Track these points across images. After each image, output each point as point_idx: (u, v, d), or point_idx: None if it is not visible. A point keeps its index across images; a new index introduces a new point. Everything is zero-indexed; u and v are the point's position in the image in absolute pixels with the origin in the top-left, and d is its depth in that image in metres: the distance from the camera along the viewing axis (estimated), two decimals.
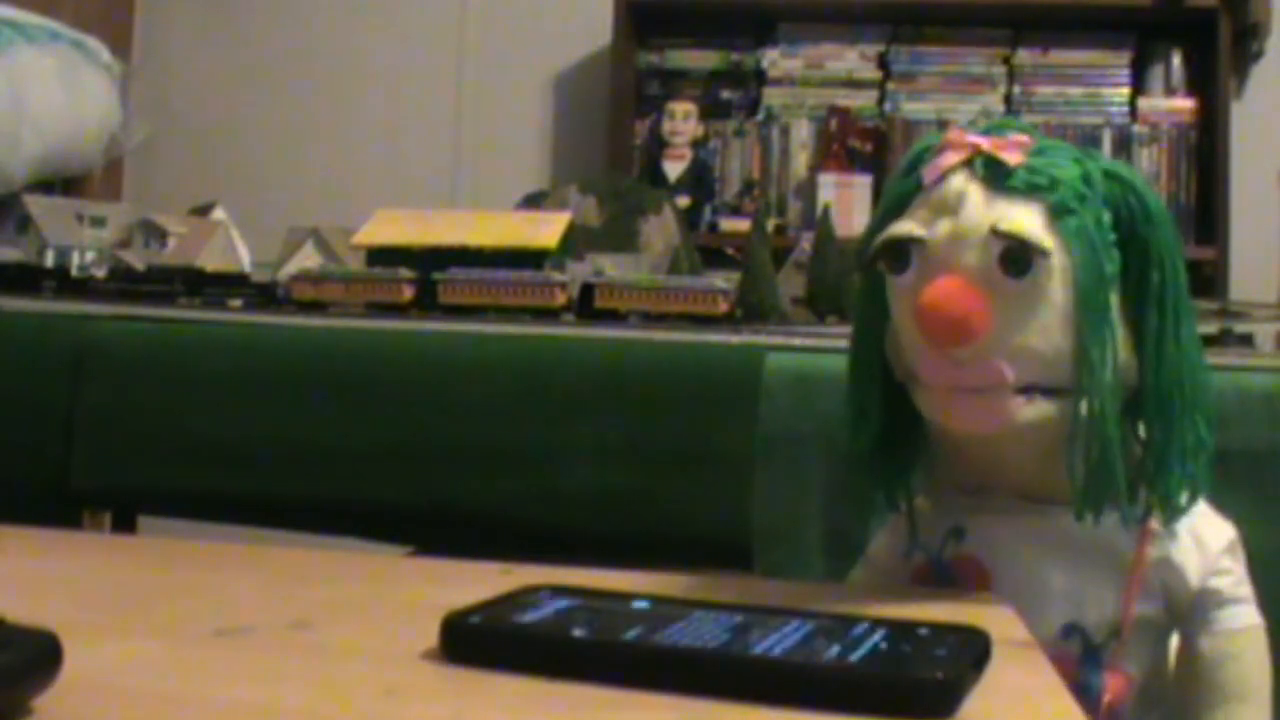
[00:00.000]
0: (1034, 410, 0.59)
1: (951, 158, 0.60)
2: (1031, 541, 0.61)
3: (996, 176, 0.59)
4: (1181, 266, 0.61)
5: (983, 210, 0.58)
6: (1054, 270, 0.57)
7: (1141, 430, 0.62)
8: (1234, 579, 0.63)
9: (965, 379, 0.58)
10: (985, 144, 0.59)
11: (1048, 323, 0.58)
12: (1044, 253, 0.57)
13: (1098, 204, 0.59)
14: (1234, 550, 0.64)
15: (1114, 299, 0.59)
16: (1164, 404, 0.60)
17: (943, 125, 2.72)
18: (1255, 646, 0.63)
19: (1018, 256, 0.57)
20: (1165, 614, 0.63)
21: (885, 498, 0.67)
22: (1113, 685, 0.61)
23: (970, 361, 0.58)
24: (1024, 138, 0.60)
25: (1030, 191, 0.58)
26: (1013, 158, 0.59)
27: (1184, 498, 0.61)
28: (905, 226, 0.60)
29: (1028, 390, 0.58)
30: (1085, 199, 0.59)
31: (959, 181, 0.59)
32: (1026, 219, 0.58)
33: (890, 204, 0.63)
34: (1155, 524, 0.62)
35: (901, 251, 0.60)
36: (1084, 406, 0.58)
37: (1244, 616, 0.63)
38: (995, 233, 0.57)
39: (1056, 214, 0.58)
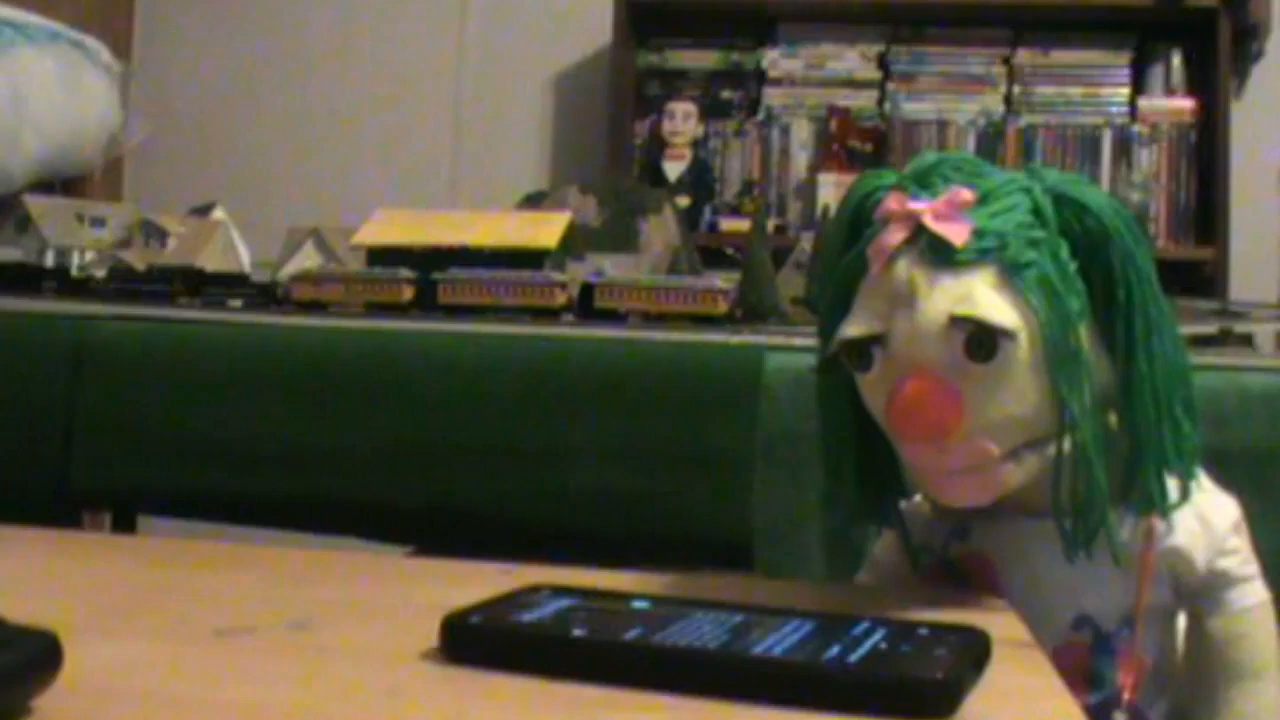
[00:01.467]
0: (1023, 471, 0.58)
1: (895, 236, 0.58)
2: (1036, 537, 0.61)
3: (944, 253, 0.57)
4: (1149, 270, 0.59)
5: (937, 298, 0.56)
6: (1019, 340, 0.56)
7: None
8: (1241, 558, 0.63)
9: (951, 463, 0.58)
10: (928, 217, 0.57)
11: (1021, 388, 0.57)
12: (1009, 335, 0.55)
13: (1053, 238, 0.58)
14: (1239, 528, 0.64)
15: (1084, 328, 0.58)
16: (1137, 418, 0.59)
17: (943, 125, 2.73)
18: (1265, 623, 0.63)
19: (982, 342, 0.56)
20: (1173, 598, 0.63)
21: (876, 524, 0.67)
22: (1127, 674, 0.61)
23: (953, 447, 0.57)
24: (966, 193, 0.58)
25: (980, 258, 0.56)
26: (958, 235, 0.57)
27: (1171, 496, 0.60)
28: (861, 326, 0.58)
29: (1015, 452, 0.58)
30: (1038, 243, 0.57)
31: (905, 267, 0.57)
32: (983, 295, 0.56)
33: (839, 283, 0.61)
34: (1158, 516, 0.61)
35: (863, 351, 0.59)
36: (1067, 447, 0.58)
37: (1253, 594, 0.63)
38: (954, 320, 0.56)
39: (1013, 271, 0.56)
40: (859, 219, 0.62)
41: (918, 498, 0.67)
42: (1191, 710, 0.64)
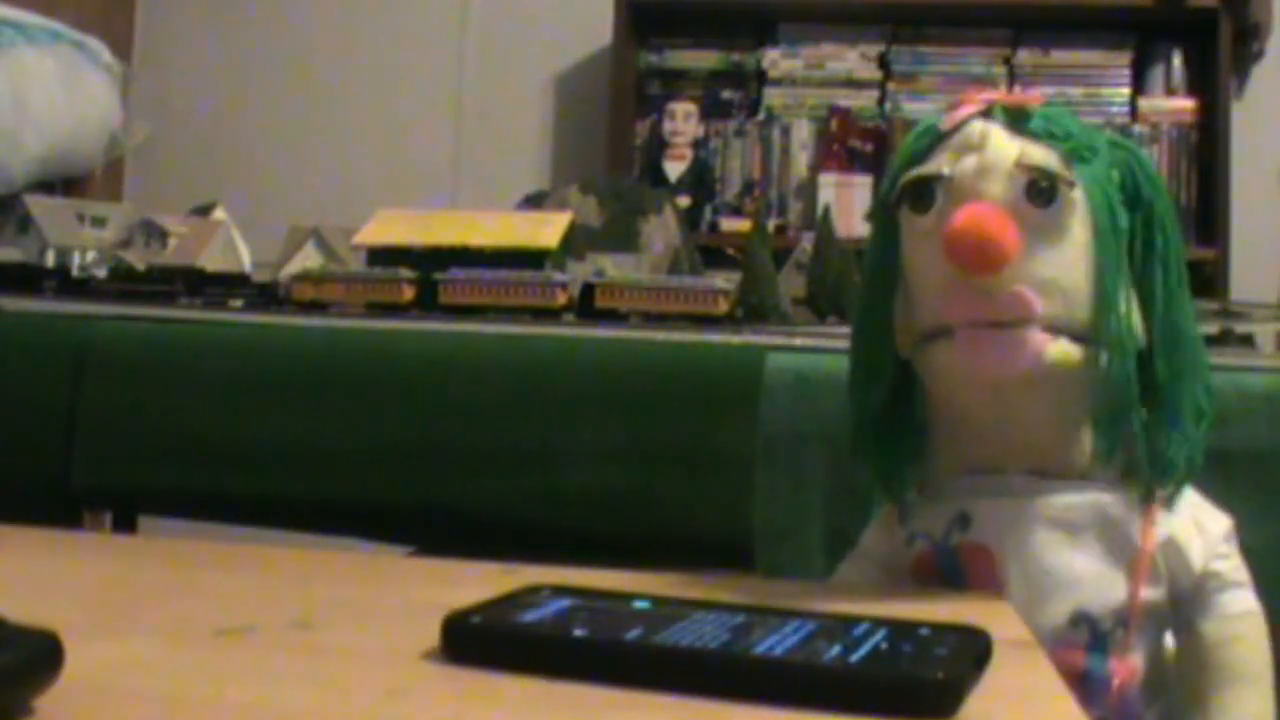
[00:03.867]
0: (1059, 349, 0.60)
1: (971, 107, 0.62)
2: (1039, 526, 0.62)
3: (1016, 120, 0.62)
4: (1179, 234, 0.63)
5: (1006, 145, 0.60)
6: (1075, 206, 0.60)
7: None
8: (1234, 563, 0.64)
9: (994, 310, 0.59)
10: (1002, 96, 0.62)
11: (1071, 258, 0.60)
12: (1069, 183, 0.59)
13: (1106, 162, 0.62)
14: (1231, 538, 0.64)
15: (1124, 252, 0.61)
16: (1171, 362, 0.62)
17: None
18: (1256, 630, 0.64)
19: (1043, 187, 0.59)
20: (1167, 599, 0.63)
21: (883, 487, 0.67)
22: (1121, 672, 0.61)
23: (998, 291, 0.59)
24: (1035, 94, 0.63)
25: (1047, 137, 0.61)
26: (1032, 100, 0.62)
27: (1181, 462, 0.62)
28: (930, 166, 0.61)
29: (1053, 328, 0.59)
30: (1096, 152, 0.62)
31: (980, 124, 0.61)
32: (1047, 155, 0.60)
33: (908, 156, 0.64)
34: (1159, 506, 0.62)
35: (926, 190, 0.61)
36: (1103, 355, 0.60)
37: (1244, 601, 0.64)
38: (1020, 165, 0.59)
39: (1073, 159, 0.61)
40: (913, 159, 0.64)
41: (912, 491, 0.67)
42: (1183, 716, 0.64)
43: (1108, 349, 0.60)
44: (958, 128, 0.62)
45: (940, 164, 0.61)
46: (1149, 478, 0.62)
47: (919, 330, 0.63)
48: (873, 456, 0.67)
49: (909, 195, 0.62)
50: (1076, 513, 0.61)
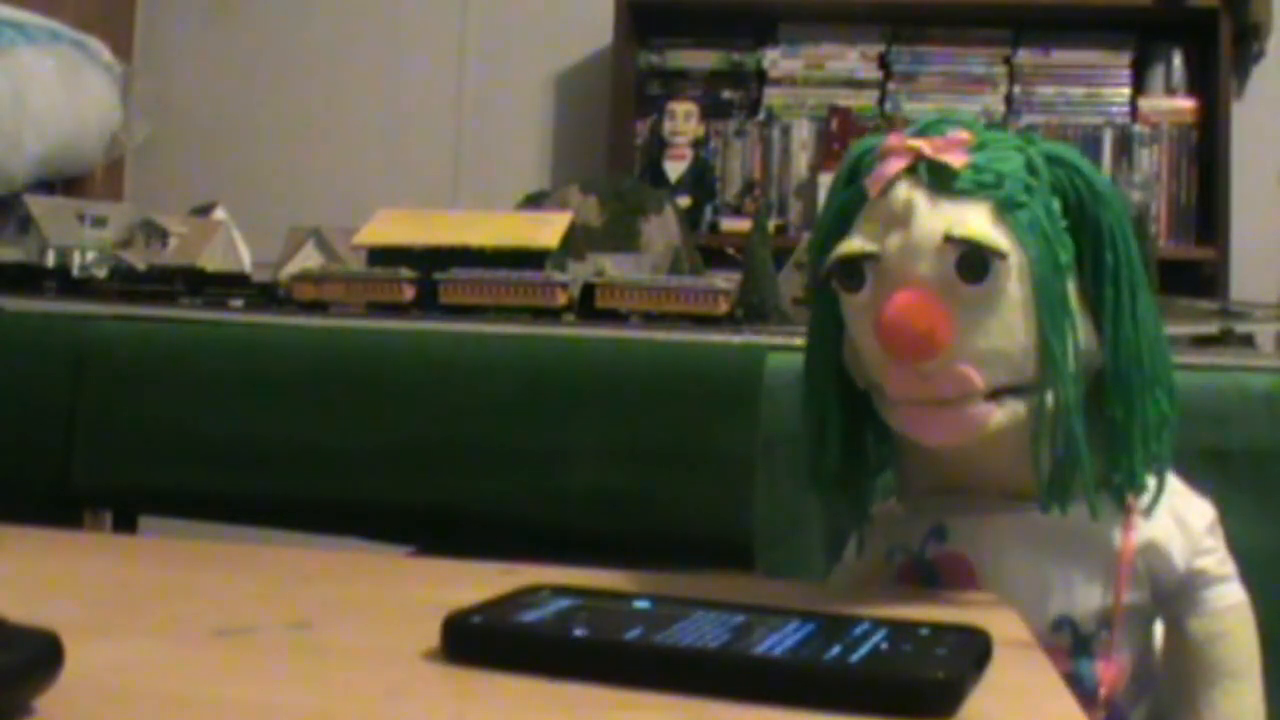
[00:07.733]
0: (1005, 414, 0.58)
1: (894, 165, 0.59)
2: (1016, 537, 0.62)
3: (942, 180, 0.58)
4: (1133, 242, 0.61)
5: (933, 218, 0.57)
6: (1010, 268, 0.57)
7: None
8: (1219, 557, 0.63)
9: (933, 391, 0.58)
10: (926, 148, 0.59)
11: (1010, 321, 0.58)
12: (1001, 255, 0.56)
13: (1045, 192, 0.59)
14: (1215, 529, 0.64)
15: (1071, 286, 0.59)
16: (1124, 382, 0.60)
17: None
18: (1244, 623, 0.63)
19: (974, 262, 0.57)
20: (1151, 600, 0.63)
21: (848, 510, 0.67)
22: (1106, 674, 0.61)
23: (936, 373, 0.57)
24: (964, 134, 0.60)
25: (977, 190, 0.58)
26: (956, 160, 0.58)
27: (1150, 475, 0.61)
28: (856, 244, 0.59)
29: (997, 394, 0.58)
30: (1032, 190, 0.59)
31: (904, 190, 0.58)
32: (977, 221, 0.57)
33: (835, 216, 0.62)
34: (1137, 510, 0.62)
35: (855, 269, 0.59)
36: (1049, 399, 0.58)
37: (1231, 594, 0.63)
38: (949, 240, 0.57)
39: (1006, 209, 0.58)
40: (857, 174, 0.62)
41: (892, 500, 0.67)
42: (1172, 712, 0.64)
43: (1051, 401, 0.58)
44: (884, 191, 0.59)
45: (865, 239, 0.59)
46: (1119, 492, 0.61)
47: (868, 378, 0.62)
48: (836, 482, 0.66)
49: (838, 274, 0.60)
50: (1050, 524, 0.61)
